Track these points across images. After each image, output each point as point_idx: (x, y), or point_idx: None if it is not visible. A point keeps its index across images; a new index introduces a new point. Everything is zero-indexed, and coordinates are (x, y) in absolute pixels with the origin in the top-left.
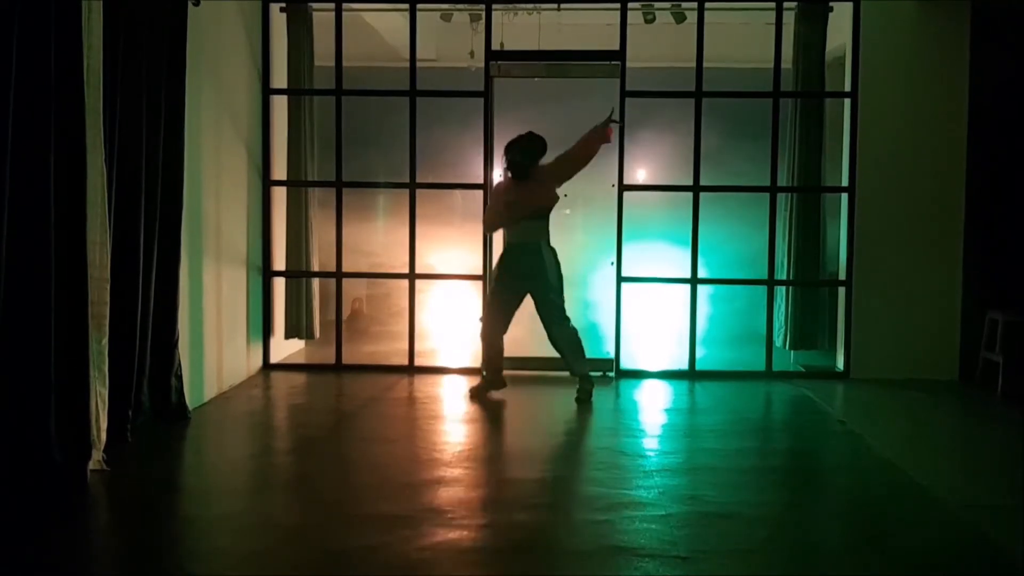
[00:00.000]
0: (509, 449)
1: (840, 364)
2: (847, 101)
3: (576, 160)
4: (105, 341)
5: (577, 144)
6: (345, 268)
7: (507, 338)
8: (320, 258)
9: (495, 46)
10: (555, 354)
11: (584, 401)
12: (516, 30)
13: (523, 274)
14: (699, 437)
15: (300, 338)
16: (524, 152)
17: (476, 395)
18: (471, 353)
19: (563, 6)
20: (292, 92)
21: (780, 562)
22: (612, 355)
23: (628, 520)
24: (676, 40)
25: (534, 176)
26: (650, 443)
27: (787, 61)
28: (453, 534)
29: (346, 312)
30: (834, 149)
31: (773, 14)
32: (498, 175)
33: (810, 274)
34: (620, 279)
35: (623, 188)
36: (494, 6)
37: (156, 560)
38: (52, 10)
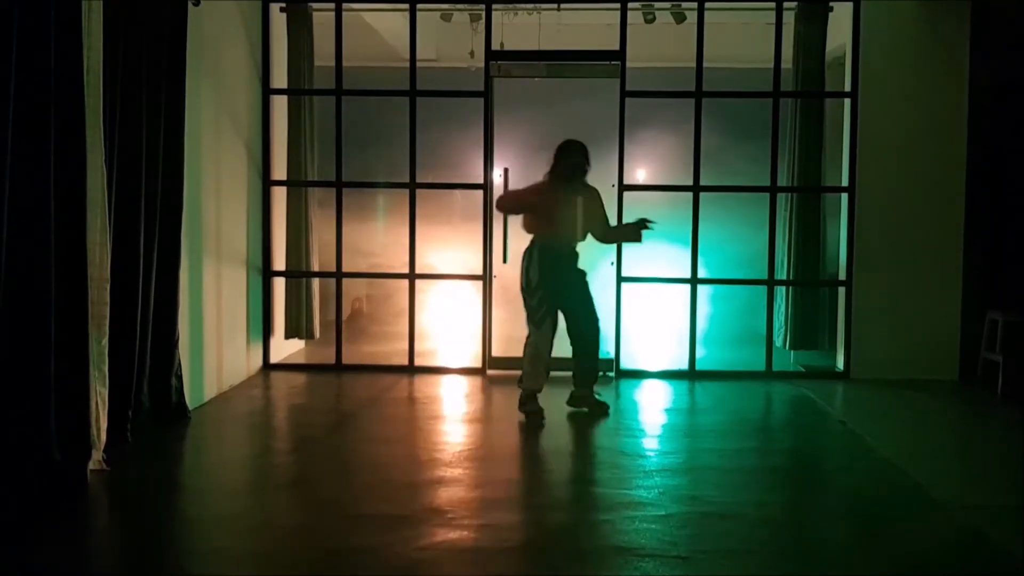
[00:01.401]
0: (509, 449)
1: (840, 364)
2: (847, 101)
3: (605, 240)
4: (105, 341)
5: (614, 232)
6: (345, 268)
7: (507, 336)
8: (320, 258)
9: (495, 46)
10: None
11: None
12: (516, 30)
13: (566, 274)
14: (699, 437)
15: (300, 338)
16: (588, 159)
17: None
18: (471, 353)
19: (563, 6)
20: (292, 92)
21: (780, 562)
22: (612, 355)
23: (628, 520)
24: (676, 40)
25: (588, 191)
26: (650, 443)
27: (787, 61)
28: (453, 534)
29: (346, 312)
30: (834, 149)
31: (773, 14)
32: (498, 176)
33: (810, 274)
34: (620, 279)
35: (623, 188)
36: (494, 6)
37: (156, 560)
38: (52, 10)
